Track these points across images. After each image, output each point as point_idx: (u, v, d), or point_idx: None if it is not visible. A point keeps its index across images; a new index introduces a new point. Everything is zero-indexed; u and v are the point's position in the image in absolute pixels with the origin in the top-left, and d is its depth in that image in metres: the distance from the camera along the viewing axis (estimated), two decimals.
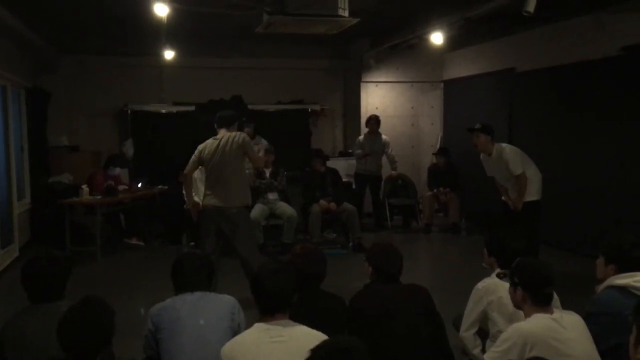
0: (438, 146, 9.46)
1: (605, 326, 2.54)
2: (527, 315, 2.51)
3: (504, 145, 5.73)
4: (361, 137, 8.62)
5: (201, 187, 7.16)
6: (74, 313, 2.15)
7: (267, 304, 2.39)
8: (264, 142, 7.74)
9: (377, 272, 2.94)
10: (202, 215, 5.17)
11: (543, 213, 5.76)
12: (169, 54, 7.83)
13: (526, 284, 2.52)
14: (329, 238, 7.87)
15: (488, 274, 3.15)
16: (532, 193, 5.63)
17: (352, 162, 8.76)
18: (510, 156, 5.60)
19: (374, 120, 8.49)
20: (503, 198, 5.82)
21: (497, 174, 5.79)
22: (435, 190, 8.42)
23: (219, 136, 5.02)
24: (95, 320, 2.13)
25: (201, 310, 2.65)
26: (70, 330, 2.09)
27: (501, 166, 5.66)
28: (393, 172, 8.75)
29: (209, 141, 5.08)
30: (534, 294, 2.50)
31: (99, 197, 7.15)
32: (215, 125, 5.11)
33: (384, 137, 8.58)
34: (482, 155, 5.85)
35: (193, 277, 2.76)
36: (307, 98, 9.49)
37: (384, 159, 8.64)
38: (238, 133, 4.99)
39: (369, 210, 8.76)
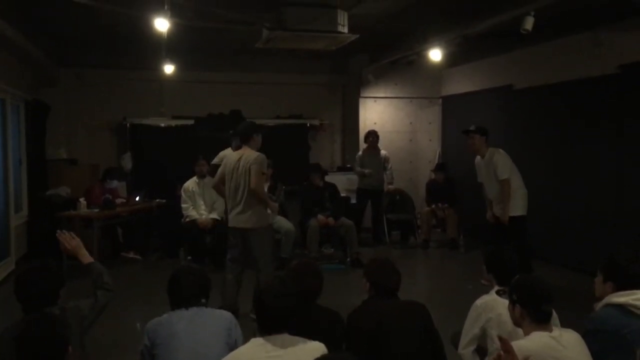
0: (436, 162, 9.47)
1: (604, 344, 2.53)
2: (526, 333, 2.50)
3: (498, 149, 5.81)
4: (360, 153, 8.61)
5: (200, 201, 7.18)
6: (30, 326, 2.19)
7: (266, 321, 2.38)
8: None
9: (374, 287, 2.93)
10: (227, 236, 5.18)
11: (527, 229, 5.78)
12: (168, 68, 7.85)
13: (525, 301, 2.50)
14: (326, 253, 7.84)
15: (486, 291, 3.14)
16: (518, 207, 5.68)
17: (351, 177, 8.77)
18: (500, 160, 5.69)
19: (373, 136, 8.50)
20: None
21: (485, 178, 5.86)
22: (433, 206, 8.43)
23: (241, 152, 5.03)
24: (49, 335, 2.15)
25: (197, 325, 2.63)
26: (26, 344, 2.13)
27: (490, 169, 5.76)
28: (390, 186, 8.74)
29: (229, 155, 5.08)
30: (532, 312, 2.48)
31: (96, 210, 7.13)
32: (237, 142, 5.18)
33: (383, 152, 8.60)
34: (476, 159, 5.94)
35: (189, 292, 2.74)
36: (306, 113, 9.52)
37: None
38: (254, 152, 4.98)
39: (367, 225, 8.74)
